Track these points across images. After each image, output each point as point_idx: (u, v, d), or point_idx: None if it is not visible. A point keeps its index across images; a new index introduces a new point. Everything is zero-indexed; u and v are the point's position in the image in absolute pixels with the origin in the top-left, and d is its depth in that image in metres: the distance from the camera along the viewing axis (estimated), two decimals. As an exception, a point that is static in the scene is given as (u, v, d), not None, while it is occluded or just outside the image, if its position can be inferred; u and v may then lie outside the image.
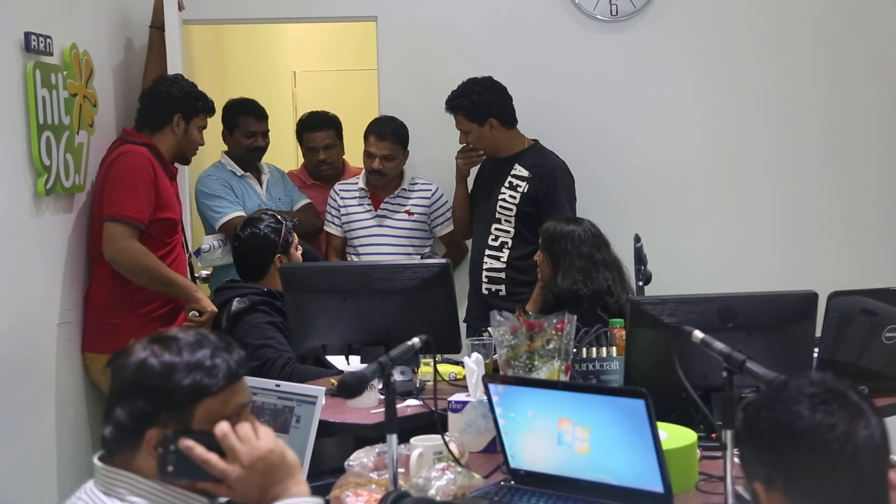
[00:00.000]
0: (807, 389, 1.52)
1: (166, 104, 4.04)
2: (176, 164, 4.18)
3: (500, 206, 4.45)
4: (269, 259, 3.93)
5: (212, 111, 4.22)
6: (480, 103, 4.42)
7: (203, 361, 1.77)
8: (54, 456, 3.69)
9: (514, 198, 4.42)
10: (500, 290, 4.46)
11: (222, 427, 1.76)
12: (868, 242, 4.94)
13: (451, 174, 4.70)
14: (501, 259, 4.47)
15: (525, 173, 4.43)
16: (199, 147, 4.22)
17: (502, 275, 4.46)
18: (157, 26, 4.49)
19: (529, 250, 4.30)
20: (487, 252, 4.50)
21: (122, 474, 1.77)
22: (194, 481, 1.78)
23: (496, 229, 4.48)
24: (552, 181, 4.39)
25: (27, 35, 3.44)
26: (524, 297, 4.16)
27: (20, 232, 3.44)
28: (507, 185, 4.45)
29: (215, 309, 3.89)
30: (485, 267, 4.50)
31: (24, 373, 3.46)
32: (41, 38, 3.52)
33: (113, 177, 3.86)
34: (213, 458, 1.75)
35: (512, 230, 4.45)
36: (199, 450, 1.74)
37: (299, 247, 4.05)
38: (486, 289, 4.49)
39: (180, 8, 4.52)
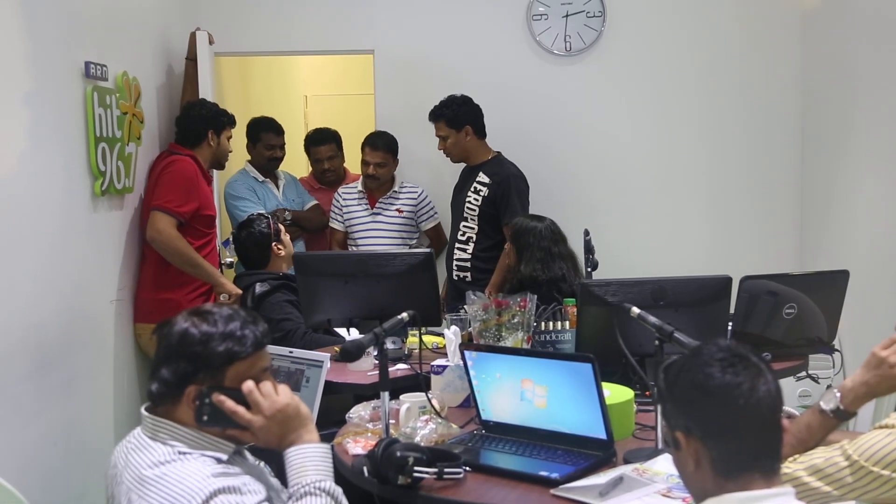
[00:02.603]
0: (717, 354, 1.53)
1: (200, 124, 4.08)
2: (212, 172, 4.19)
3: (467, 207, 4.45)
4: (268, 249, 3.93)
5: (234, 123, 4.25)
6: (459, 113, 4.42)
7: (235, 332, 1.79)
8: (111, 408, 3.69)
9: (478, 200, 4.41)
10: (467, 277, 4.46)
11: (248, 385, 1.78)
12: (773, 236, 4.98)
13: (434, 177, 4.72)
14: (467, 251, 4.46)
15: (487, 180, 4.42)
16: (230, 154, 4.24)
17: (468, 264, 4.46)
18: (191, 58, 4.49)
19: (490, 244, 4.36)
20: (457, 245, 4.50)
21: (164, 422, 1.79)
22: (224, 429, 1.80)
23: (464, 226, 4.48)
24: (507, 188, 4.37)
25: (87, 64, 3.44)
26: (485, 282, 4.19)
27: (80, 226, 3.44)
28: (472, 189, 4.44)
29: (239, 291, 3.88)
30: (455, 257, 4.50)
31: (84, 341, 3.45)
32: (98, 67, 3.52)
33: (164, 177, 3.89)
34: (240, 409, 1.77)
35: (476, 227, 4.44)
36: (230, 403, 1.76)
37: (287, 233, 4.04)
38: (456, 275, 4.50)
39: (211, 42, 4.52)
